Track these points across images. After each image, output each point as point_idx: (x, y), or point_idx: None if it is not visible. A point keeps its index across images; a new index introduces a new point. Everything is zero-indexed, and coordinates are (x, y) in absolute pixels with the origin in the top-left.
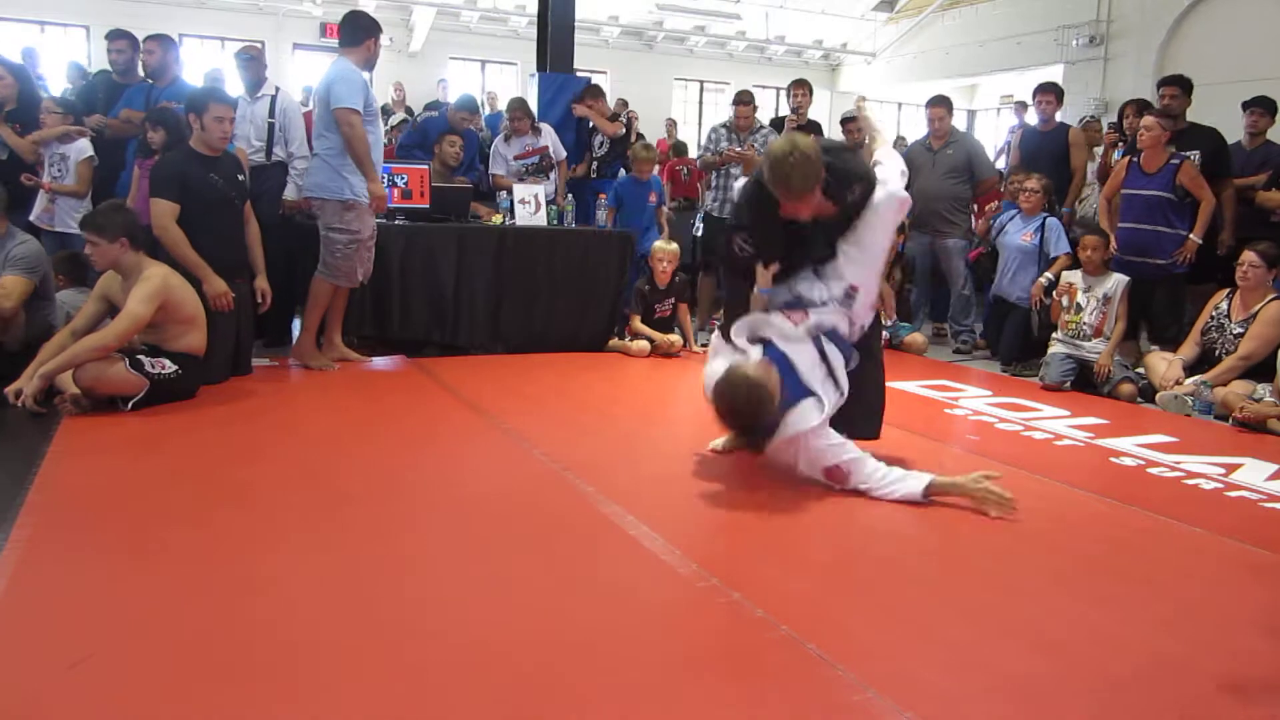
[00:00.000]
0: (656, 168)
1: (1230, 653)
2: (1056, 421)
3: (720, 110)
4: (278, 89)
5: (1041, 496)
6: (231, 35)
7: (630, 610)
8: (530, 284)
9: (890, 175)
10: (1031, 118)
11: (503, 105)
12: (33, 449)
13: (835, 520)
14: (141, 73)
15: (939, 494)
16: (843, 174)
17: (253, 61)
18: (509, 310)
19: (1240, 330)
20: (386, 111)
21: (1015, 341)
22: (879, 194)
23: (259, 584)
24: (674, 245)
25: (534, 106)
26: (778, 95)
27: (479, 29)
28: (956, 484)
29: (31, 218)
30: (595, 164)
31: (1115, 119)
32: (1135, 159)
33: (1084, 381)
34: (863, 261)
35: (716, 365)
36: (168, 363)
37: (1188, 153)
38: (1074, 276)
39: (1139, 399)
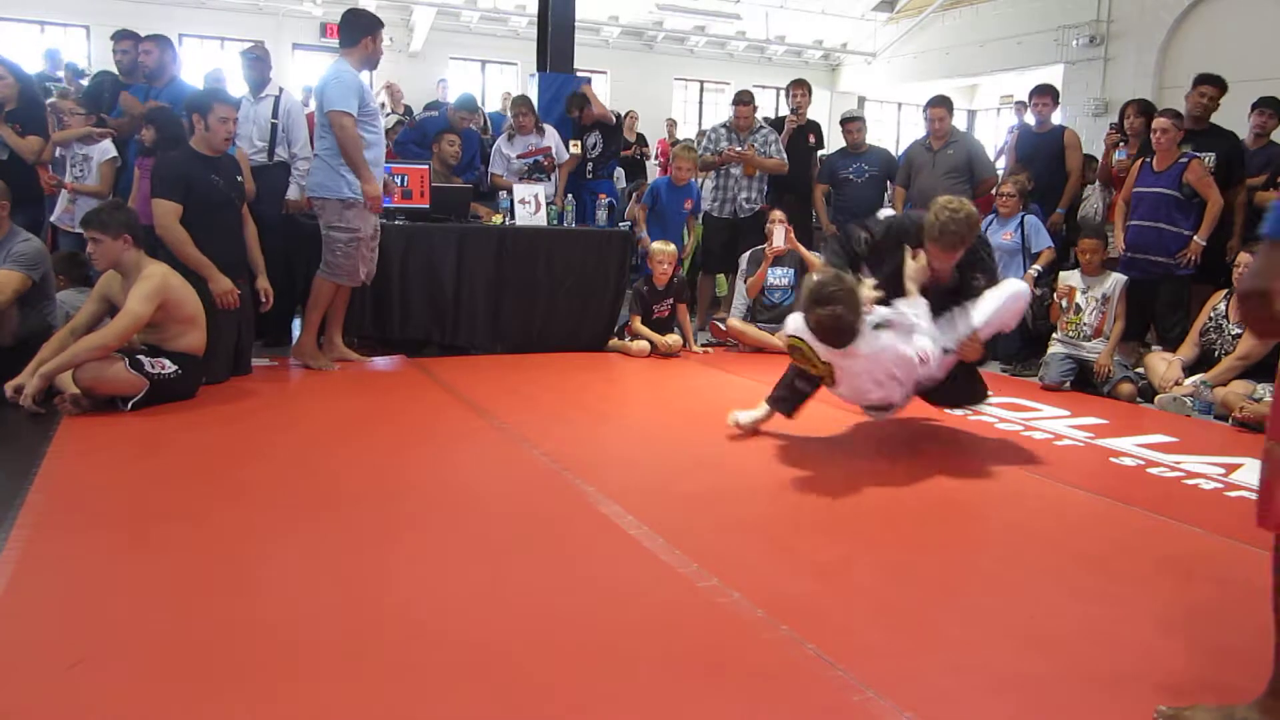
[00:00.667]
0: (696, 175)
1: (1230, 652)
2: (1056, 421)
3: (720, 110)
4: (281, 90)
5: (1041, 496)
6: (231, 35)
7: (630, 610)
8: (530, 284)
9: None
10: (1030, 118)
11: (494, 106)
12: (33, 449)
13: (836, 520)
14: (139, 73)
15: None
16: (982, 261)
17: (258, 61)
18: (509, 310)
19: (1239, 331)
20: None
21: (1014, 338)
22: (1013, 285)
23: (258, 583)
24: (672, 246)
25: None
26: (778, 95)
27: (479, 29)
28: None
29: (53, 219)
30: (590, 164)
31: (1116, 119)
32: (1149, 159)
33: (1083, 382)
34: (924, 330)
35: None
36: (167, 362)
37: (1203, 154)
38: (1073, 278)
39: (1139, 399)
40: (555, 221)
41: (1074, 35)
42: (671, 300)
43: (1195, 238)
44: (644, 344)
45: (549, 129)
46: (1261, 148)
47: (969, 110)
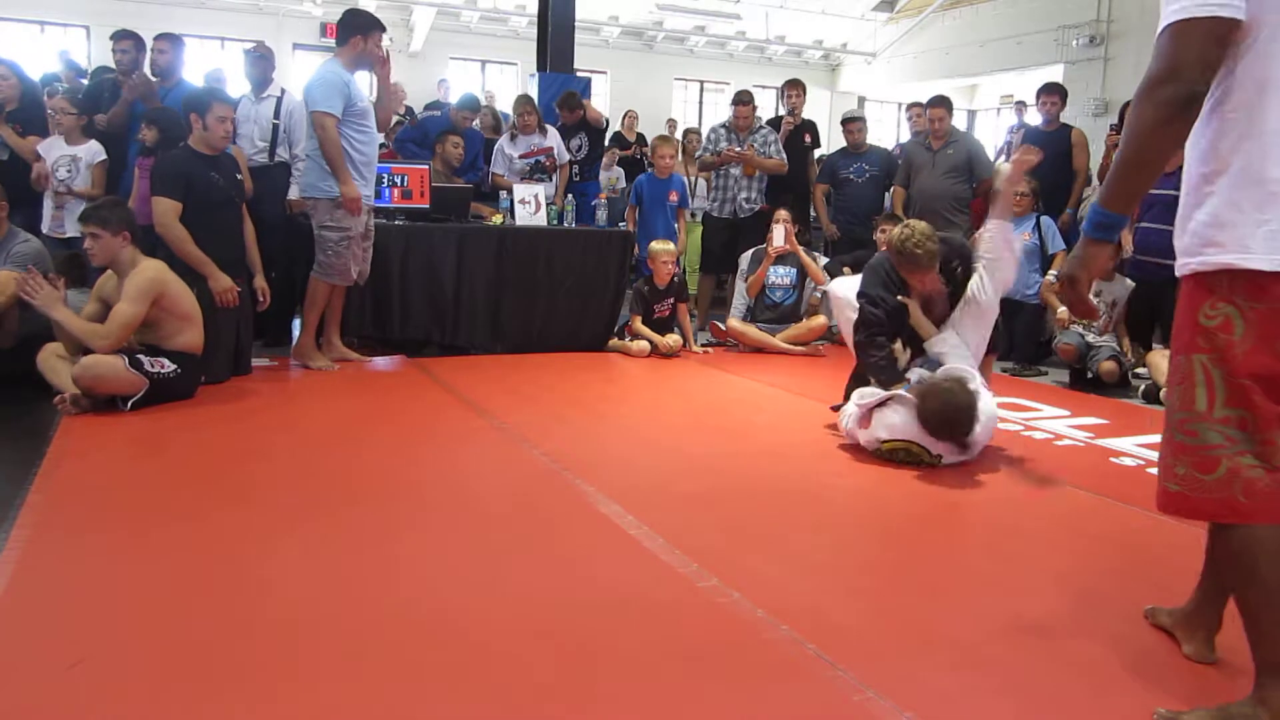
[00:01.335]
0: (677, 162)
1: (1229, 651)
2: (1056, 421)
3: (720, 110)
4: (284, 90)
5: (1041, 496)
6: (231, 35)
7: (630, 610)
8: (530, 284)
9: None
10: (1031, 118)
11: (503, 105)
12: (33, 449)
13: (836, 520)
14: (150, 72)
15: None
16: (949, 248)
17: (261, 59)
18: (509, 310)
19: None
20: None
21: (1027, 341)
22: (986, 293)
23: (258, 584)
24: (672, 245)
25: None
26: (778, 95)
27: (479, 29)
28: None
29: (44, 230)
30: (577, 166)
31: (1115, 119)
32: None
33: (1080, 376)
34: (962, 355)
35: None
36: (167, 362)
37: None
38: None
39: (1141, 399)
40: (555, 221)
41: (1074, 35)
42: (672, 300)
43: None
44: (644, 344)
45: (551, 129)
46: None
47: (969, 110)
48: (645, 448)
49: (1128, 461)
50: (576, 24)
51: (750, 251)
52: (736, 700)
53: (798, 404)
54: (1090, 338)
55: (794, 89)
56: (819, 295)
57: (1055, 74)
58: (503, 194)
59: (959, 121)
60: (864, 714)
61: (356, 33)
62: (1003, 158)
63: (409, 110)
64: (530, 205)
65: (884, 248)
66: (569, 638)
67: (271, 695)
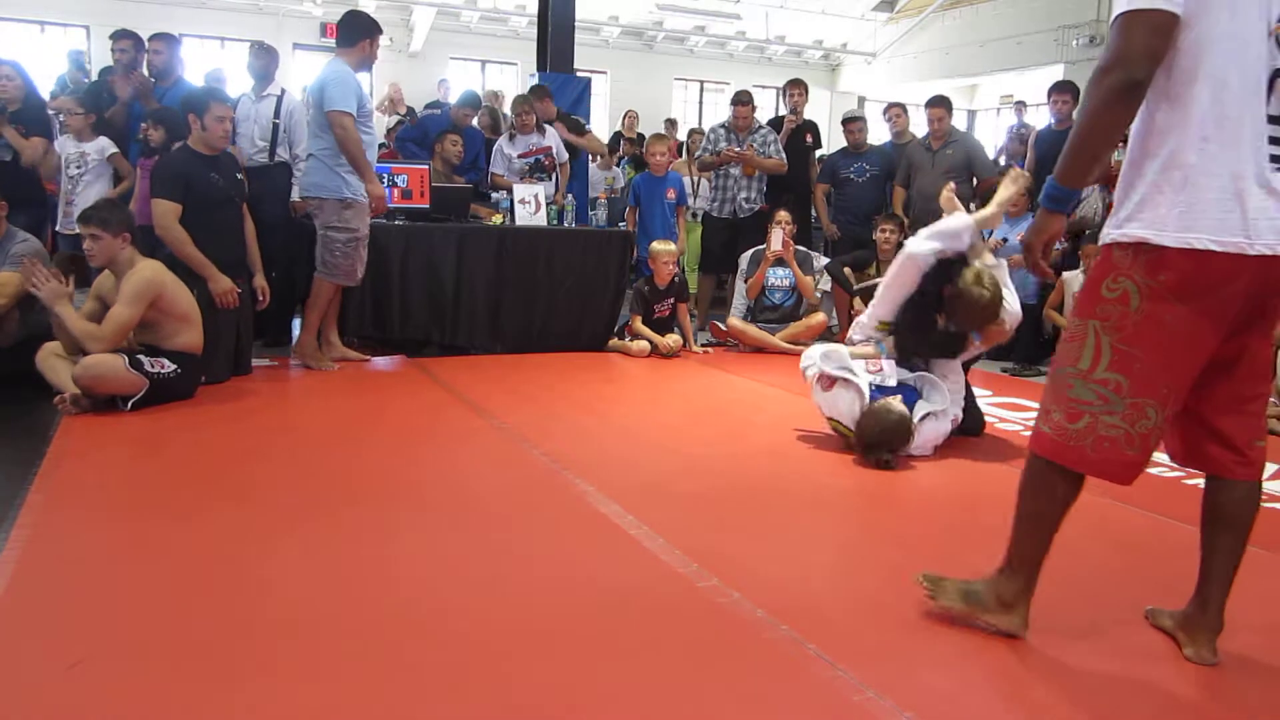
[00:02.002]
0: (680, 161)
1: (1229, 651)
2: None
3: (720, 110)
4: (284, 90)
5: None
6: (231, 35)
7: (630, 610)
8: (530, 284)
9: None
10: (1032, 118)
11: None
12: (33, 449)
13: (836, 520)
14: (146, 72)
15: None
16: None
17: (266, 53)
18: (509, 310)
19: None
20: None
21: (1029, 340)
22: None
23: (258, 583)
24: (672, 245)
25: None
26: (778, 95)
27: (479, 29)
28: None
29: (57, 228)
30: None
31: None
32: None
33: None
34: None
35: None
36: (167, 362)
37: None
38: (1076, 281)
39: None
40: (555, 221)
41: (1074, 35)
42: (672, 300)
43: None
44: (644, 344)
45: (550, 129)
46: None
47: (969, 110)
48: (645, 447)
49: None
50: (576, 24)
51: (750, 252)
52: (736, 700)
53: (798, 404)
54: None
55: (796, 88)
56: (819, 296)
57: (1055, 74)
58: (502, 194)
59: (959, 121)
60: (864, 714)
61: (365, 36)
62: (1003, 158)
63: (409, 110)
64: (530, 205)
65: (885, 249)
66: (569, 638)
67: (271, 695)
